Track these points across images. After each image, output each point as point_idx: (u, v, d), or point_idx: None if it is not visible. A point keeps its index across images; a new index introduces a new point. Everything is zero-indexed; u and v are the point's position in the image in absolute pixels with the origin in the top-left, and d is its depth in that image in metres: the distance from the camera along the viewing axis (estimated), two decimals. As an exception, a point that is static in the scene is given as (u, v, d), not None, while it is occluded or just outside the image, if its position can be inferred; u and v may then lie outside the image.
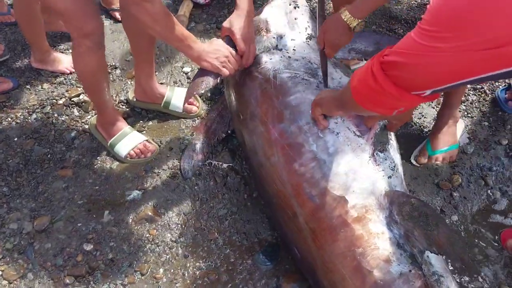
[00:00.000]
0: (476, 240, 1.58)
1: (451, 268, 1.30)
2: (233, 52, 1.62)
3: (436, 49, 0.85)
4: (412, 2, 2.49)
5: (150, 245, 1.64)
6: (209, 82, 1.62)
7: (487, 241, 1.57)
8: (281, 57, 1.70)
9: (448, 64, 0.85)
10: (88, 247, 1.63)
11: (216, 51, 1.59)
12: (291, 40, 1.80)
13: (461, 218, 1.63)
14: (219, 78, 1.63)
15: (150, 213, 1.71)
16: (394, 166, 1.47)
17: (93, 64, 1.67)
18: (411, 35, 0.91)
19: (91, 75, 1.71)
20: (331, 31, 1.48)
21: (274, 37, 1.82)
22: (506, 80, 2.01)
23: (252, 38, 1.67)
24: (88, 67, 1.68)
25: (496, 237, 1.58)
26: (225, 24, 1.65)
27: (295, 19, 1.90)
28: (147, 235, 1.66)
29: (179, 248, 1.63)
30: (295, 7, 1.95)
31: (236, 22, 1.62)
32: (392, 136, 1.56)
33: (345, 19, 1.40)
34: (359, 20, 1.40)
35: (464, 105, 1.98)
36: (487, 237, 1.58)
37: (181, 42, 1.55)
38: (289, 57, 1.71)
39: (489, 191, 1.69)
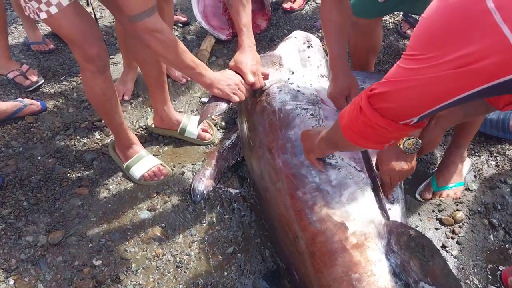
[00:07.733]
0: (477, 278, 1.57)
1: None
2: (243, 80, 1.73)
3: (416, 71, 0.87)
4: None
5: (155, 263, 1.69)
6: (221, 107, 1.71)
7: (488, 280, 1.57)
8: (290, 90, 1.79)
9: (428, 86, 0.86)
10: (97, 262, 1.70)
11: (227, 79, 1.69)
12: (302, 76, 1.90)
13: (462, 255, 1.64)
14: (230, 104, 1.73)
15: (158, 233, 1.77)
16: (395, 200, 1.51)
17: (99, 87, 1.73)
18: (397, 63, 0.93)
19: (98, 97, 1.78)
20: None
21: (286, 72, 1.92)
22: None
23: (259, 69, 1.77)
24: (95, 90, 1.74)
25: (498, 273, 1.58)
26: (231, 63, 1.76)
27: (308, 57, 2.01)
28: (154, 254, 1.71)
29: (184, 268, 1.67)
30: (308, 46, 2.06)
31: (240, 59, 1.74)
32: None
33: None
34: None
35: (471, 144, 2.01)
36: (488, 275, 1.58)
37: (193, 70, 1.64)
38: (298, 91, 1.79)
39: (492, 229, 1.70)
